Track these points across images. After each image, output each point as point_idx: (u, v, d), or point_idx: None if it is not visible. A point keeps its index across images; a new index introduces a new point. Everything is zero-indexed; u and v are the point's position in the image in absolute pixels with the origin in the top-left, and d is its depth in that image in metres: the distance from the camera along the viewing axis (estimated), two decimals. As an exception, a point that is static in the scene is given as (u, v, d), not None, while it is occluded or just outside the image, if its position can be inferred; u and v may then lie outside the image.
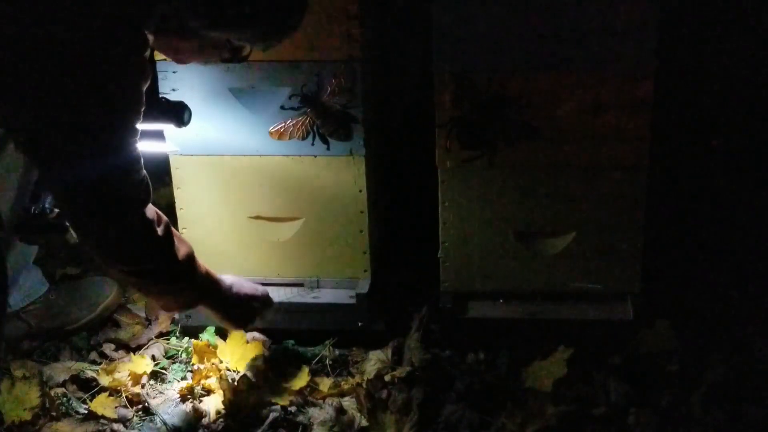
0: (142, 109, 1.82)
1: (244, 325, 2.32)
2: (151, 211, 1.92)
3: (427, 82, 2.31)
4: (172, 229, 2.01)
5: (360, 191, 2.41)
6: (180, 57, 1.95)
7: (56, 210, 2.32)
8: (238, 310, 2.25)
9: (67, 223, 2.05)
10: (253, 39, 1.88)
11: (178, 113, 2.14)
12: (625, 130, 2.25)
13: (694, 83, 2.84)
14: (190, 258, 2.05)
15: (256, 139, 2.38)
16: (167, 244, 1.97)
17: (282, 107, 2.33)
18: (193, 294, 2.10)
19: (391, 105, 2.81)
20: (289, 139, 2.35)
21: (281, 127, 2.34)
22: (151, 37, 1.79)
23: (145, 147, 2.25)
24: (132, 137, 1.82)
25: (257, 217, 2.48)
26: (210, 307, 2.19)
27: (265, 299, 2.32)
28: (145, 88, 1.81)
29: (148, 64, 1.81)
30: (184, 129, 2.27)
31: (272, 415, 2.21)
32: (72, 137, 1.74)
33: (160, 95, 2.20)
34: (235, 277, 2.27)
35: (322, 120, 2.33)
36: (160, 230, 1.93)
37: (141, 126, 2.18)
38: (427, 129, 2.34)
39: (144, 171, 1.88)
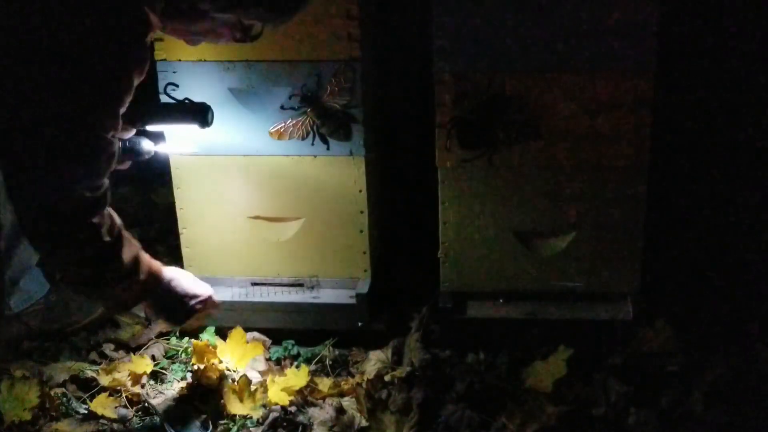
0: (128, 100, 1.78)
1: (176, 322, 2.24)
2: (101, 216, 1.87)
3: (427, 82, 2.31)
4: (123, 232, 1.96)
5: (360, 191, 2.41)
6: (191, 39, 1.94)
7: None
8: (170, 307, 2.17)
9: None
10: (264, 17, 1.87)
11: (202, 114, 2.16)
12: (625, 130, 2.25)
13: (694, 83, 2.84)
14: (135, 261, 1.99)
15: (256, 139, 2.38)
16: (112, 250, 1.91)
17: (282, 107, 2.33)
18: (133, 294, 2.06)
19: (391, 105, 2.81)
20: (289, 139, 2.35)
21: (281, 127, 2.34)
22: (156, 20, 1.77)
23: (166, 149, 2.28)
24: (112, 129, 1.77)
25: (257, 217, 2.48)
26: (146, 304, 2.15)
27: (208, 298, 2.22)
28: (137, 80, 1.78)
29: (146, 52, 1.78)
30: (184, 129, 2.28)
31: (272, 415, 2.21)
32: (47, 117, 1.70)
33: (185, 98, 2.21)
34: (179, 271, 2.18)
35: (322, 120, 2.33)
36: (107, 236, 1.88)
37: (160, 128, 2.20)
38: (427, 129, 2.34)
39: (106, 180, 1.84)
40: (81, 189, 1.78)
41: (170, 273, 2.14)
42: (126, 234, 1.98)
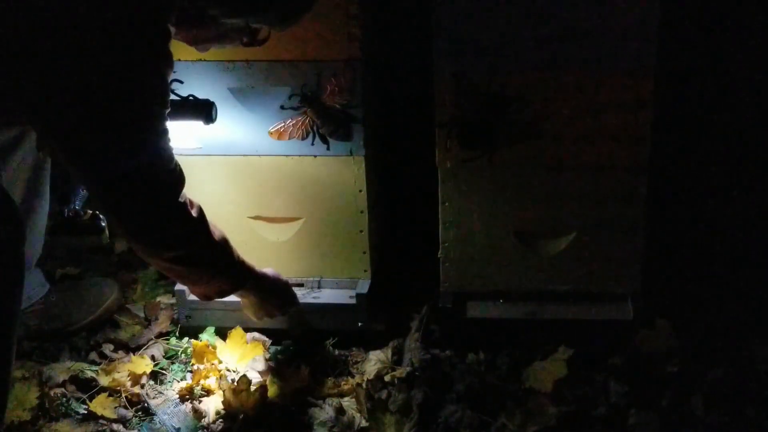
0: (169, 98, 1.87)
1: (284, 308, 2.36)
2: (184, 196, 1.98)
3: (427, 82, 2.30)
4: (205, 214, 2.05)
5: (360, 191, 2.41)
6: (200, 45, 1.97)
7: (89, 211, 2.35)
8: (278, 293, 2.31)
9: (103, 223, 2.08)
10: (272, 21, 1.91)
11: (207, 110, 2.18)
12: (625, 130, 2.25)
13: (694, 83, 2.84)
14: (225, 241, 2.11)
15: (256, 139, 2.38)
16: (202, 227, 2.03)
17: (282, 107, 2.33)
18: (231, 279, 2.16)
19: (391, 105, 2.81)
20: (289, 139, 2.35)
21: (281, 127, 2.34)
22: (173, 29, 1.82)
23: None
24: (163, 126, 1.87)
25: (257, 217, 2.48)
26: (249, 292, 2.25)
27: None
28: (170, 78, 1.86)
29: (171, 54, 1.84)
30: (187, 126, 2.27)
31: (272, 415, 2.20)
32: (105, 133, 1.78)
33: (188, 94, 2.23)
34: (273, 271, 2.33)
35: (322, 120, 2.33)
36: (194, 212, 1.99)
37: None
38: (427, 129, 2.34)
39: (175, 158, 1.94)
40: (162, 173, 1.89)
41: (268, 270, 2.30)
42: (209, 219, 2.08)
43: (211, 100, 2.22)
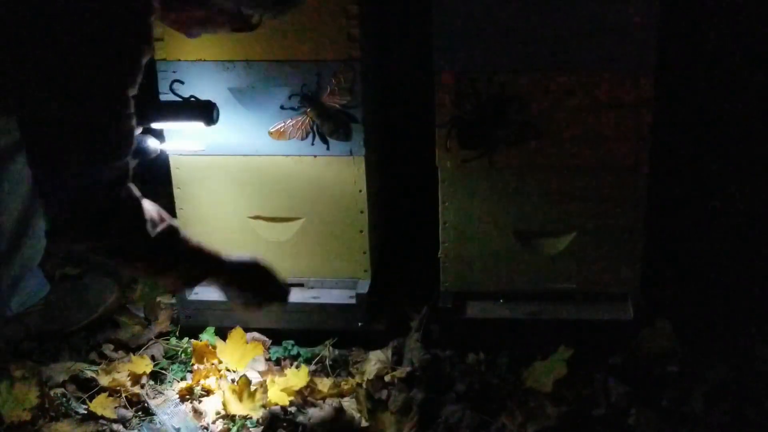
0: (139, 80, 1.78)
1: (262, 300, 2.17)
2: (129, 189, 1.86)
3: (427, 82, 2.30)
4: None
5: (360, 191, 2.41)
6: (189, 29, 1.91)
7: None
8: (259, 279, 2.12)
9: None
10: (262, 3, 1.85)
11: (208, 111, 2.16)
12: (625, 130, 2.25)
13: (694, 83, 2.84)
14: (170, 231, 1.94)
15: (256, 139, 2.38)
16: (134, 217, 1.88)
17: (282, 107, 2.33)
18: (188, 268, 2.00)
19: (391, 105, 2.81)
20: (289, 139, 2.35)
21: (281, 127, 2.34)
22: (158, 5, 1.77)
23: (173, 147, 2.28)
24: (127, 108, 1.77)
25: (257, 217, 2.48)
26: (223, 279, 2.09)
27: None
28: (146, 59, 1.78)
29: (152, 32, 1.78)
30: (189, 127, 2.27)
31: (272, 416, 2.21)
32: (64, 107, 1.71)
33: (190, 95, 2.20)
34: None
35: (322, 120, 2.33)
36: (143, 204, 1.87)
37: (165, 125, 2.18)
38: (427, 129, 2.34)
39: (129, 158, 1.83)
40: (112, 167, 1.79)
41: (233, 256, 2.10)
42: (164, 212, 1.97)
43: (213, 101, 2.21)
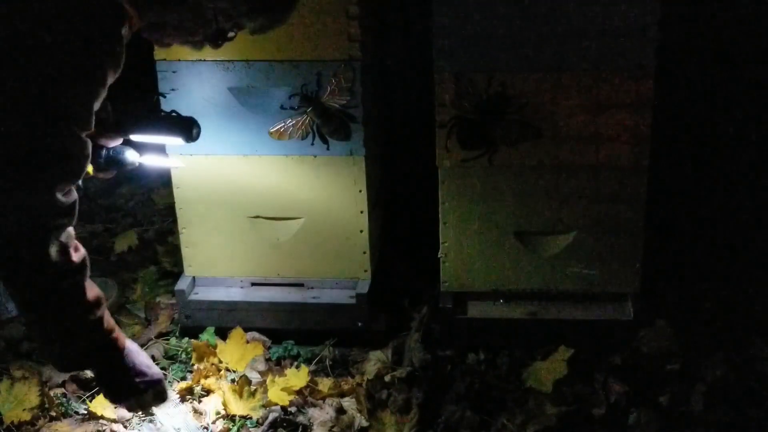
0: (101, 97, 1.70)
1: (115, 399, 1.98)
2: (67, 233, 1.73)
3: (427, 82, 2.31)
4: (87, 265, 1.81)
5: (360, 191, 2.41)
6: (164, 36, 1.82)
7: None
8: (116, 378, 1.92)
9: None
10: (242, 10, 1.77)
11: (188, 129, 2.12)
12: (625, 130, 2.25)
13: (694, 83, 2.84)
14: (98, 301, 1.82)
15: (256, 139, 2.38)
16: (76, 275, 1.77)
17: (282, 107, 2.33)
18: (86, 345, 1.84)
19: (391, 105, 2.81)
20: (289, 139, 2.35)
21: (281, 127, 2.34)
22: (133, 11, 1.70)
23: (151, 161, 2.26)
24: (81, 129, 1.68)
25: (257, 217, 2.48)
26: (104, 368, 1.91)
27: (156, 382, 1.97)
28: (111, 76, 1.70)
29: (122, 46, 1.70)
30: (169, 142, 2.25)
31: (272, 416, 2.21)
32: (6, 117, 1.61)
33: (171, 110, 2.17)
34: (136, 345, 1.97)
35: (322, 120, 2.33)
36: (73, 256, 1.75)
37: (144, 138, 2.15)
38: (427, 129, 2.34)
39: (74, 187, 1.72)
40: (56, 192, 1.67)
41: (129, 342, 1.94)
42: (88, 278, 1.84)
43: (194, 118, 2.13)
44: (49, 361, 1.97)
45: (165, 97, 2.32)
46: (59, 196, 1.68)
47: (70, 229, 1.74)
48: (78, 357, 1.86)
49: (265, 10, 1.80)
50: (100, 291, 1.85)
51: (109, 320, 1.87)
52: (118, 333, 1.90)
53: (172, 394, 2.31)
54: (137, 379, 1.93)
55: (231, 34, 1.82)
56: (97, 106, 1.70)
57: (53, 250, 1.70)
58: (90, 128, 1.71)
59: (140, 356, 1.96)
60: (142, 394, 1.95)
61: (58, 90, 1.64)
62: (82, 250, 1.78)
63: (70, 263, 1.75)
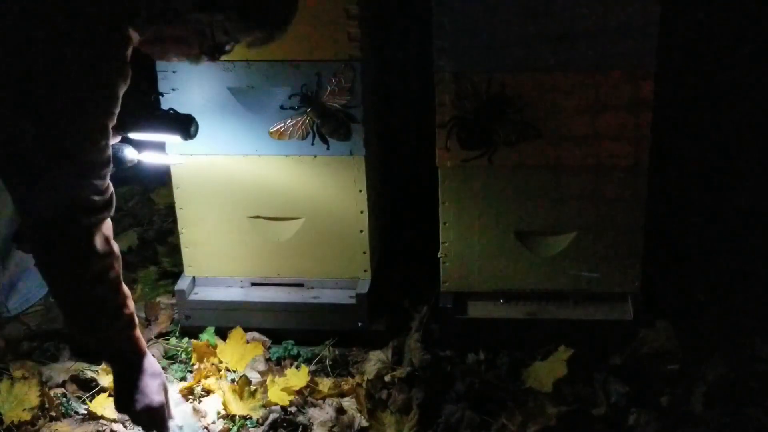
0: (116, 111, 1.78)
1: (120, 406, 2.03)
2: (108, 230, 1.84)
3: (427, 82, 2.31)
4: (121, 278, 1.89)
5: (360, 191, 2.41)
6: (162, 51, 1.87)
7: None
8: (127, 386, 1.99)
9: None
10: (238, 26, 1.80)
11: (185, 126, 2.13)
12: (625, 130, 2.25)
13: (694, 83, 2.84)
14: (130, 295, 1.92)
15: (256, 139, 2.38)
16: (108, 272, 1.84)
17: (282, 107, 2.33)
18: (118, 342, 1.93)
19: (391, 105, 2.81)
20: (289, 139, 2.35)
21: (281, 127, 2.34)
22: (135, 35, 1.76)
23: (149, 159, 2.27)
24: (103, 139, 1.77)
25: (257, 217, 2.48)
26: (121, 371, 1.99)
27: (157, 407, 2.01)
28: (122, 91, 1.77)
29: (128, 64, 1.77)
30: (167, 139, 2.25)
31: (272, 416, 2.21)
32: (38, 136, 1.71)
33: (169, 108, 2.18)
34: (156, 366, 2.04)
35: (322, 120, 2.33)
36: (98, 245, 1.81)
37: (142, 136, 2.17)
38: (427, 129, 2.34)
39: (109, 180, 1.82)
40: (86, 193, 1.78)
41: (150, 358, 2.02)
42: (124, 287, 1.92)
43: (192, 115, 2.16)
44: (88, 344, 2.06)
45: (164, 95, 2.32)
46: (95, 196, 1.79)
47: (110, 222, 1.83)
48: (109, 349, 1.97)
49: (262, 26, 1.83)
50: (131, 302, 1.94)
51: (136, 319, 1.96)
52: (144, 346, 2.00)
53: (173, 394, 2.31)
54: (141, 397, 1.99)
55: (228, 48, 1.86)
56: (112, 122, 1.79)
57: (99, 241, 1.80)
58: (108, 139, 1.80)
59: (154, 378, 2.01)
60: (139, 411, 2.00)
61: (83, 109, 1.73)
62: (115, 243, 1.87)
63: (113, 253, 1.85)
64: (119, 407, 2.04)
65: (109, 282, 1.86)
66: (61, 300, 1.91)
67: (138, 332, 1.98)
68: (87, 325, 1.93)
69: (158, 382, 2.02)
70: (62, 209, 1.76)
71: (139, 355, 1.99)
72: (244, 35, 1.83)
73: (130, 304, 1.94)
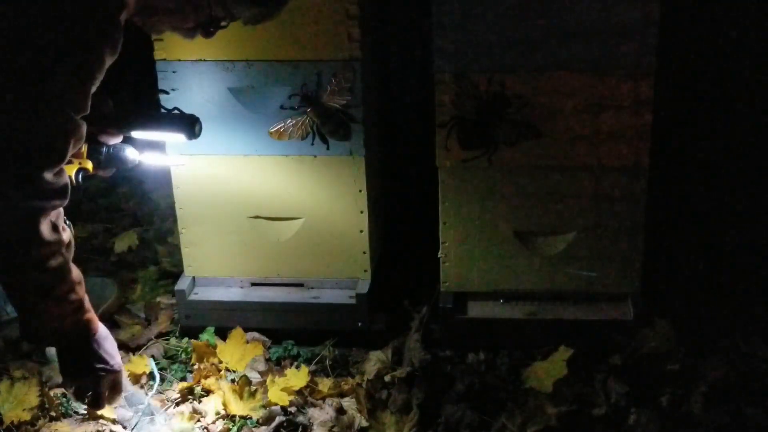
0: (97, 79, 1.70)
1: (70, 378, 2.00)
2: (57, 217, 1.76)
3: (427, 82, 2.30)
4: (71, 248, 1.83)
5: (360, 191, 2.41)
6: (156, 22, 1.81)
7: None
8: (76, 359, 1.95)
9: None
10: (257, 16, 1.78)
11: (190, 125, 2.12)
12: (625, 130, 2.25)
13: (694, 83, 2.84)
14: (80, 284, 1.86)
15: (256, 139, 2.38)
16: (62, 256, 1.79)
17: (282, 107, 2.33)
18: (63, 323, 1.88)
19: (391, 105, 2.81)
20: (289, 139, 2.35)
21: (281, 127, 2.34)
22: (132, 1, 1.70)
23: (150, 159, 2.27)
24: (80, 108, 1.69)
25: (257, 217, 2.48)
26: (71, 347, 1.95)
27: (115, 372, 2.00)
28: (109, 60, 1.70)
29: (119, 31, 1.70)
30: (172, 138, 2.25)
31: (278, 419, 2.20)
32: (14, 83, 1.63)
33: (173, 107, 2.17)
34: (107, 332, 2.00)
35: (322, 120, 2.33)
36: (63, 235, 1.77)
37: (146, 135, 2.15)
38: (427, 129, 2.34)
39: (64, 172, 1.73)
40: (47, 172, 1.69)
41: (101, 328, 1.98)
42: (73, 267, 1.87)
43: (196, 115, 2.16)
44: (21, 330, 2.02)
45: (168, 93, 2.32)
46: (50, 176, 1.69)
47: (61, 210, 1.75)
48: (52, 333, 1.89)
49: (262, 2, 1.80)
50: (81, 278, 1.87)
51: (87, 302, 1.90)
52: (93, 316, 1.93)
53: (173, 394, 2.32)
54: (97, 365, 1.96)
55: (223, 23, 1.81)
56: (93, 88, 1.70)
57: (45, 228, 1.71)
58: (85, 111, 1.71)
59: (107, 343, 1.98)
60: (99, 381, 1.98)
61: (53, 69, 1.63)
62: (69, 230, 1.80)
63: (61, 241, 1.77)
64: (77, 376, 1.99)
65: (52, 270, 1.79)
66: (2, 282, 1.85)
67: (89, 315, 1.92)
68: (29, 308, 1.87)
69: (112, 343, 1.98)
70: (16, 191, 1.68)
71: (86, 337, 1.93)
72: (243, 10, 1.79)
73: (80, 290, 1.87)
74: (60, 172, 1.73)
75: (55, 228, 1.76)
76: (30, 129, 1.67)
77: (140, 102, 2.22)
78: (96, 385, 2.00)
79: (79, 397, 2.05)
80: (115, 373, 2.01)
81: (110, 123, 2.08)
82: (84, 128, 1.74)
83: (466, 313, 2.45)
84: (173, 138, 2.21)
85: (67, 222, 1.84)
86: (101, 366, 1.97)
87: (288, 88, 2.32)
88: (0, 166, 1.67)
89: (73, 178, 2.05)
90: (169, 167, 2.44)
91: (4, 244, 1.73)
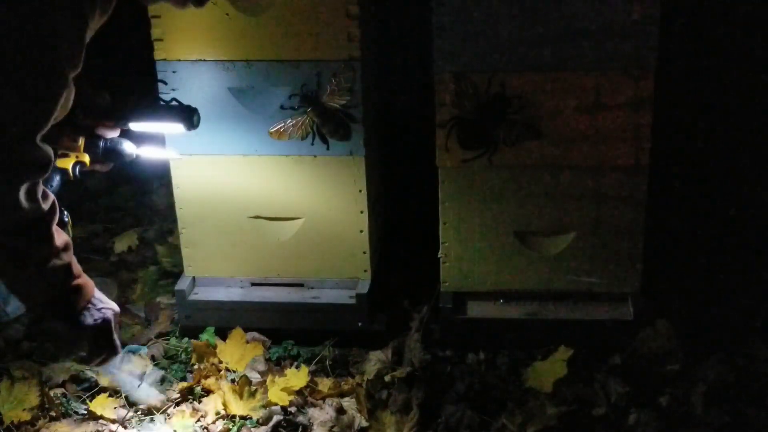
0: (86, 37, 1.65)
1: (80, 327, 1.90)
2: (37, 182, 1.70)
3: (427, 82, 2.30)
4: (57, 214, 1.78)
5: (360, 191, 2.41)
6: None
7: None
8: (79, 310, 1.88)
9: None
10: None
11: (188, 116, 2.12)
12: (625, 130, 2.25)
13: (694, 83, 2.84)
14: (66, 247, 1.81)
15: (256, 139, 2.38)
16: (45, 220, 1.74)
17: (282, 107, 2.33)
18: (52, 288, 1.81)
19: (391, 105, 2.81)
20: (289, 139, 2.35)
21: (281, 127, 2.34)
22: None
23: (147, 153, 2.26)
24: (58, 87, 1.63)
25: (257, 217, 2.48)
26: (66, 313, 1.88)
27: (115, 313, 1.93)
28: (99, 19, 1.66)
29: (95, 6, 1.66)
30: (171, 129, 2.25)
31: (276, 418, 2.20)
32: None
33: (172, 98, 2.17)
34: (100, 294, 1.94)
35: (322, 120, 2.33)
36: (43, 203, 1.72)
37: (145, 127, 2.14)
38: (427, 129, 2.34)
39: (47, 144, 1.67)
40: (33, 138, 1.64)
41: (97, 292, 1.93)
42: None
43: (194, 106, 2.15)
44: (19, 299, 1.93)
45: (166, 84, 2.31)
46: (38, 142, 1.64)
47: (39, 180, 1.70)
48: (44, 299, 1.83)
49: None
50: (68, 238, 1.83)
51: (76, 266, 1.85)
52: (85, 280, 1.88)
53: (173, 394, 2.31)
54: (100, 305, 1.89)
55: None
56: (81, 45, 1.65)
57: (22, 196, 1.67)
58: (77, 68, 1.66)
59: (101, 302, 1.91)
60: (109, 327, 1.90)
61: (41, 20, 1.58)
62: (51, 197, 1.75)
63: (40, 209, 1.72)
64: (81, 325, 1.88)
65: (29, 235, 1.72)
66: None
67: (79, 280, 1.86)
68: (10, 279, 1.81)
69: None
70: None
71: (73, 305, 1.86)
72: None
73: (65, 255, 1.81)
74: (44, 145, 1.68)
75: (33, 197, 1.70)
76: (19, 83, 1.60)
77: (140, 93, 2.20)
78: (107, 337, 1.91)
79: (94, 356, 1.94)
80: (114, 312, 1.94)
81: (108, 114, 2.06)
82: (73, 92, 1.69)
83: (466, 313, 2.45)
84: (172, 129, 2.19)
85: (50, 192, 1.77)
86: (102, 306, 1.90)
87: (288, 88, 2.32)
88: None
89: (71, 171, 2.04)
90: (168, 162, 2.43)
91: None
